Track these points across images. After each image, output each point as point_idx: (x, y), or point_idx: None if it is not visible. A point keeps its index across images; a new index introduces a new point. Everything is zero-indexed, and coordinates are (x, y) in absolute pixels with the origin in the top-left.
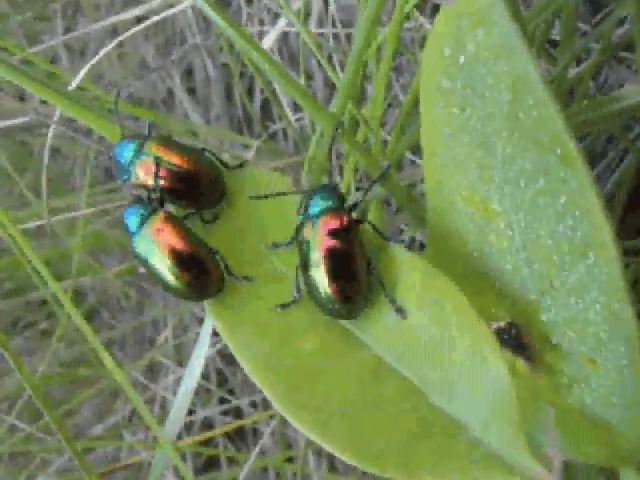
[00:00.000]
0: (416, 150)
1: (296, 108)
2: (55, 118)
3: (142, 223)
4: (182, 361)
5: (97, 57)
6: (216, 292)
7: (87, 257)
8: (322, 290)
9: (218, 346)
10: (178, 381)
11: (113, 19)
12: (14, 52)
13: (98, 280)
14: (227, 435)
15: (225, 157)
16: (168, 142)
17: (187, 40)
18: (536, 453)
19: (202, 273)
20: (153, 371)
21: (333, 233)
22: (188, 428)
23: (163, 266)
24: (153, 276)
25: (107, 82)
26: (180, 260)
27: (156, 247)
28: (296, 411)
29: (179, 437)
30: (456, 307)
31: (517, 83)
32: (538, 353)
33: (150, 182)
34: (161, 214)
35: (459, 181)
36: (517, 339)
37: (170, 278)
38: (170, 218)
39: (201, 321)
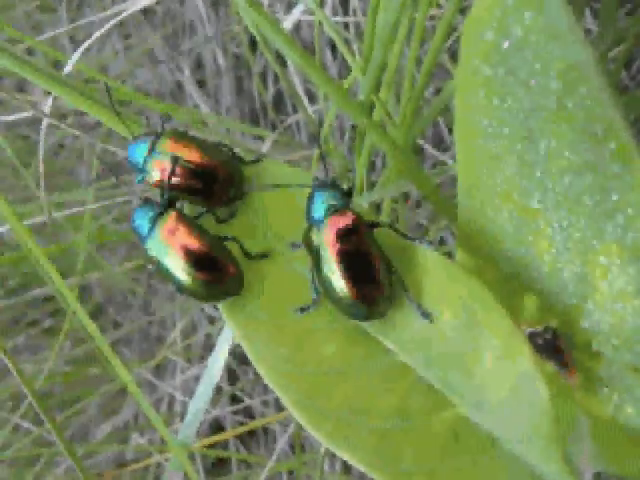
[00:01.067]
0: (437, 143)
1: (310, 101)
2: (47, 109)
3: (153, 225)
4: (191, 359)
5: (92, 38)
6: (235, 291)
7: (93, 252)
8: (340, 293)
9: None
10: (187, 380)
11: (118, 7)
12: (18, 40)
13: (104, 276)
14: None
15: (238, 150)
16: (182, 137)
17: (197, 31)
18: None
19: (219, 272)
20: (160, 369)
21: (342, 233)
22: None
23: (178, 267)
24: (168, 279)
25: (113, 75)
26: (196, 260)
27: (170, 248)
28: (315, 419)
29: None
30: (488, 312)
31: (569, 71)
32: (575, 359)
33: (164, 180)
34: (172, 214)
35: (496, 176)
36: (552, 344)
37: (186, 279)
38: (182, 217)
39: (211, 319)
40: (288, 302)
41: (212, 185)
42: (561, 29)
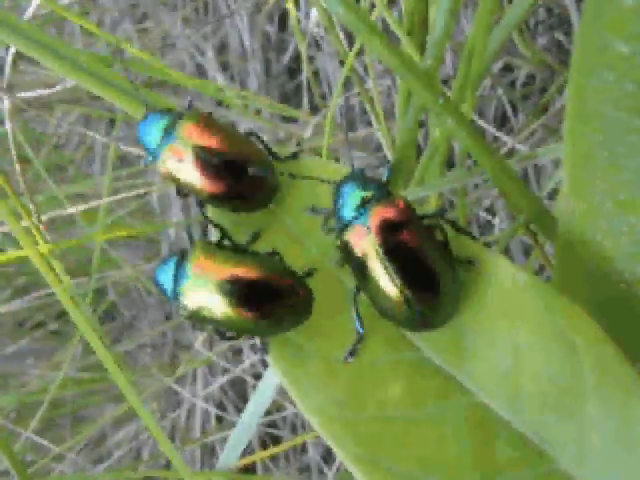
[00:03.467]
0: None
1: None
2: (8, 64)
3: (178, 276)
4: (214, 364)
5: None
6: (306, 315)
7: (107, 248)
8: (391, 297)
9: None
10: (209, 384)
11: None
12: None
13: (119, 275)
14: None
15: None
16: (208, 122)
17: (220, 9)
18: None
19: (287, 298)
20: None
21: (391, 225)
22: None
23: (228, 310)
24: (225, 326)
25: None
26: (247, 293)
27: (210, 291)
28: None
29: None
30: (591, 344)
31: None
32: None
33: (182, 175)
34: (197, 251)
35: (616, 180)
36: None
37: (243, 320)
38: (210, 248)
39: None
40: (341, 330)
41: (243, 184)
42: None
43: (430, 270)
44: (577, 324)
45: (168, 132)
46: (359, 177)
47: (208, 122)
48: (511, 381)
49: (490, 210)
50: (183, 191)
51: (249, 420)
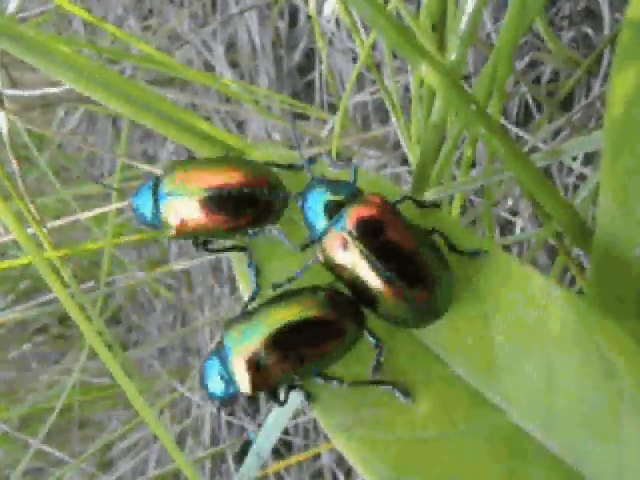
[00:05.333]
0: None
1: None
2: None
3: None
4: None
5: None
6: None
7: (113, 250)
8: (391, 299)
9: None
10: None
11: None
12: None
13: (127, 278)
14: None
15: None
16: (187, 167)
17: (229, 5)
18: None
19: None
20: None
21: (374, 224)
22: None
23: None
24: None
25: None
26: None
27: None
28: None
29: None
30: (631, 364)
31: None
32: None
33: (190, 225)
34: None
35: None
36: None
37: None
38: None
39: None
40: (366, 347)
41: (251, 209)
42: None
43: (424, 262)
44: (615, 342)
45: (156, 195)
46: (324, 182)
47: (187, 166)
48: (545, 401)
49: (511, 209)
50: (203, 235)
51: (269, 435)
